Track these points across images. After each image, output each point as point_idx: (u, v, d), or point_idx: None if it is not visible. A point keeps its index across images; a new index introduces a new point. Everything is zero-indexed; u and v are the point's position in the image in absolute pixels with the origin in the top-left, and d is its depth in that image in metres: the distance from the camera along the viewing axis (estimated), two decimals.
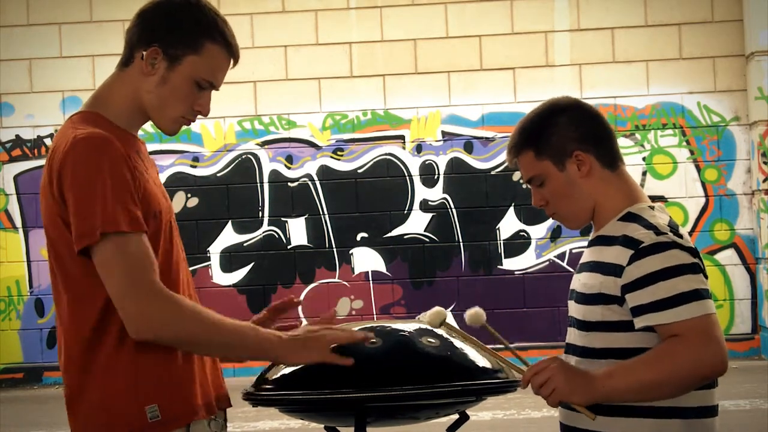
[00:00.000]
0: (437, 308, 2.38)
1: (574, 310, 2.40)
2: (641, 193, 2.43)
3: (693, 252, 2.26)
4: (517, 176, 10.03)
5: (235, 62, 2.35)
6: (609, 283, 2.27)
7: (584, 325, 2.34)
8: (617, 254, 2.27)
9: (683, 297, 2.19)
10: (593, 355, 2.31)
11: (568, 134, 2.37)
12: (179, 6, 2.28)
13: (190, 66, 2.27)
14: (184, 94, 2.28)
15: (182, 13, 2.27)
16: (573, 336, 2.41)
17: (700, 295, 2.20)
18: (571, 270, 9.81)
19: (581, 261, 2.46)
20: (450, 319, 2.39)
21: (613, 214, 2.37)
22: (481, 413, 7.07)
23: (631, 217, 2.33)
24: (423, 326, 2.45)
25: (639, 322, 2.23)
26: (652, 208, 2.37)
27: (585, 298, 2.34)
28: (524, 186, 2.42)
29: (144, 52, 2.26)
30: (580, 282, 2.40)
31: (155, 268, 2.15)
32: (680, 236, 2.28)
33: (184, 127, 2.40)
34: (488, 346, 2.40)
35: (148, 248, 2.15)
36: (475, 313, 2.39)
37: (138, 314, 2.12)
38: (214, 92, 2.36)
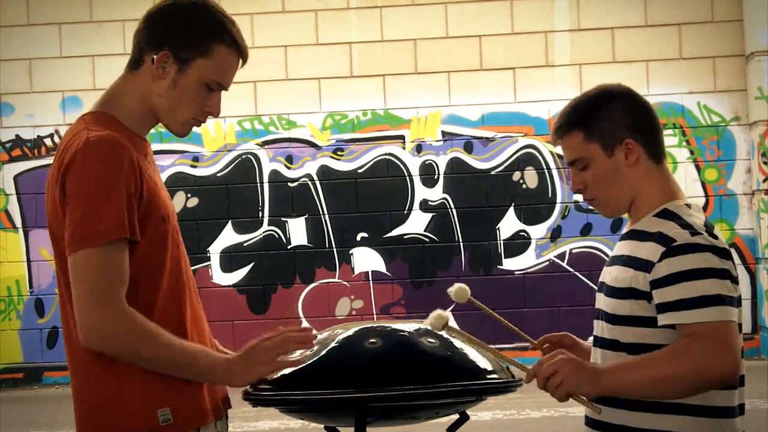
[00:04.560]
0: (438, 311, 2.36)
1: (603, 302, 2.40)
2: (680, 190, 2.43)
3: (726, 254, 2.26)
4: (517, 176, 10.03)
5: (244, 62, 2.36)
6: (639, 278, 2.27)
7: (613, 319, 2.34)
8: (650, 250, 2.27)
9: (706, 300, 2.19)
10: (623, 349, 2.31)
11: (620, 121, 2.37)
12: (187, 9, 2.28)
13: (200, 69, 2.27)
14: (193, 97, 2.29)
15: (190, 17, 2.27)
16: (601, 329, 2.41)
17: (722, 300, 2.20)
18: (571, 270, 9.82)
19: (613, 254, 2.45)
20: (451, 322, 2.38)
21: (650, 208, 2.37)
22: (481, 413, 7.06)
23: (668, 215, 2.33)
24: (423, 326, 2.44)
25: (661, 319, 2.24)
26: (689, 206, 2.38)
27: (615, 292, 2.34)
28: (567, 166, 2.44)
29: (154, 56, 2.25)
30: (610, 275, 2.40)
31: (125, 283, 2.14)
32: (715, 237, 2.28)
33: None
34: (491, 346, 2.40)
35: (124, 262, 2.14)
36: (458, 288, 2.40)
37: (90, 324, 2.11)
38: None
